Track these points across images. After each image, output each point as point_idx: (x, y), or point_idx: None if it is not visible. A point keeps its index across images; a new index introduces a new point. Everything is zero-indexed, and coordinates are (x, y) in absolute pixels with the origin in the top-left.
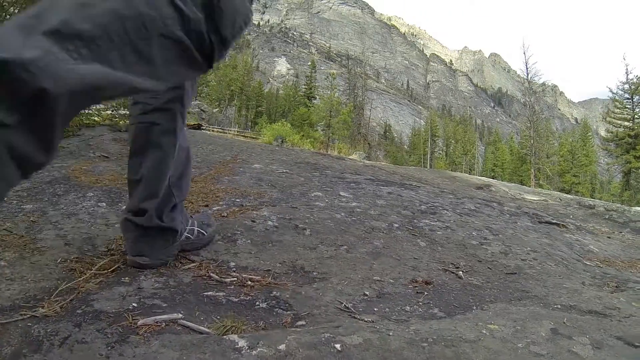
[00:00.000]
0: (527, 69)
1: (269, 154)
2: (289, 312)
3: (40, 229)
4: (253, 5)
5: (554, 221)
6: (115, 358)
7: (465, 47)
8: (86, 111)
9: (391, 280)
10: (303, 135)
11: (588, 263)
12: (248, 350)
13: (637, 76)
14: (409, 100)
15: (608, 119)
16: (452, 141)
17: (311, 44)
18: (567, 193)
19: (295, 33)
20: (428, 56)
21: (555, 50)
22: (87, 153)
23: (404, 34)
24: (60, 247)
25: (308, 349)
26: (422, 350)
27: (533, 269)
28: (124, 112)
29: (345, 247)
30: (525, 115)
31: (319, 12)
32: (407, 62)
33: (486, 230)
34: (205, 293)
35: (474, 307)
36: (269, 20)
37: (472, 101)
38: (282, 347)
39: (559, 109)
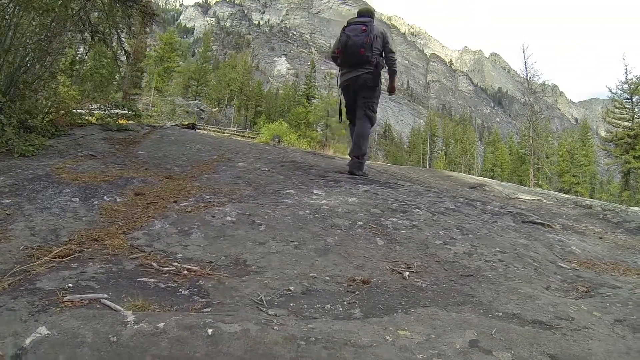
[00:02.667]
0: (526, 68)
1: (257, 153)
2: (203, 300)
3: (13, 220)
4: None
5: (539, 221)
6: (31, 322)
7: (465, 47)
8: (78, 111)
9: (327, 278)
10: (300, 135)
11: (563, 265)
12: (132, 324)
13: (636, 76)
14: (409, 100)
15: (607, 119)
16: (452, 141)
17: (311, 43)
18: (566, 193)
19: (295, 33)
20: (428, 56)
21: (556, 50)
22: (75, 152)
23: (404, 33)
24: (25, 237)
25: (183, 329)
26: (294, 348)
27: (494, 271)
28: (115, 111)
29: (295, 243)
30: (525, 115)
31: (319, 12)
32: (407, 61)
33: (456, 229)
34: (139, 279)
35: (399, 310)
36: (269, 20)
37: (472, 101)
38: (161, 325)
39: (559, 109)
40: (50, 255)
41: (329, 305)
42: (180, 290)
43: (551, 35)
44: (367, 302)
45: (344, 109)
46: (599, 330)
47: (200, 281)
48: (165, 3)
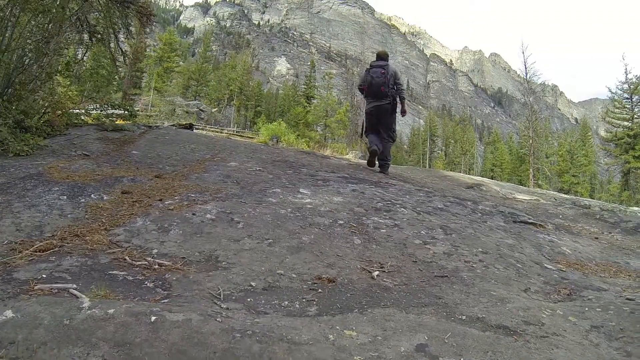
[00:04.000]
0: (525, 68)
1: (251, 153)
2: (165, 292)
3: (1, 217)
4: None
5: (530, 221)
6: (0, 307)
7: (466, 47)
8: (75, 111)
9: (294, 275)
10: (299, 135)
11: (549, 266)
12: (86, 309)
13: (636, 76)
14: (409, 100)
15: (607, 118)
16: (452, 141)
17: (311, 43)
18: (565, 193)
19: (295, 33)
20: (428, 56)
21: (556, 50)
22: (69, 152)
23: (404, 33)
24: (11, 232)
25: (129, 316)
26: (228, 339)
27: (472, 272)
28: (112, 111)
29: (270, 240)
30: (524, 115)
31: (319, 11)
32: (407, 62)
33: (440, 229)
34: (111, 272)
35: (356, 310)
36: (269, 20)
37: (472, 101)
38: (111, 311)
39: (559, 109)
40: (31, 249)
41: (286, 302)
42: (146, 282)
43: (551, 36)
44: (327, 300)
45: (364, 126)
46: (570, 338)
47: (167, 275)
48: (165, 3)
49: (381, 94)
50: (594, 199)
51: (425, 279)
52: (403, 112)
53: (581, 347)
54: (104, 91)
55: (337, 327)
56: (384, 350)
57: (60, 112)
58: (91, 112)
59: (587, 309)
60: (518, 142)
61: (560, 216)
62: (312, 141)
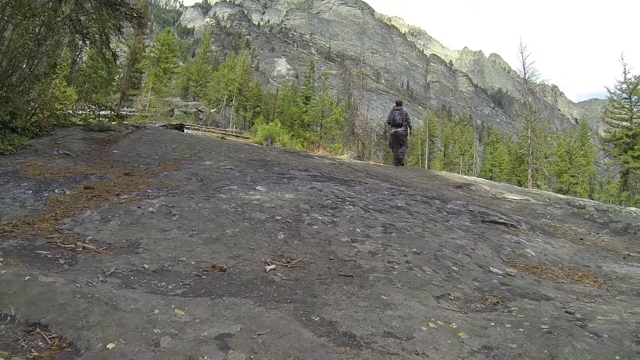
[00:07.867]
0: (524, 68)
1: (231, 152)
2: (68, 267)
3: None
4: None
5: (501, 221)
6: None
7: (466, 47)
8: (65, 112)
9: (192, 262)
10: (293, 135)
11: (495, 270)
12: None
13: (635, 76)
14: (408, 101)
15: (606, 119)
16: (451, 141)
17: (311, 44)
18: (564, 194)
19: (295, 33)
20: (428, 56)
21: (556, 50)
22: (51, 151)
23: (404, 34)
24: None
25: (13, 276)
26: (69, 298)
27: (387, 273)
28: (100, 112)
29: (194, 232)
30: (523, 115)
31: (319, 12)
32: (407, 62)
33: (380, 227)
34: (38, 251)
35: (214, 296)
36: (268, 20)
37: (472, 102)
38: (3, 272)
39: (559, 109)
40: None
41: (164, 283)
42: (60, 260)
43: (551, 36)
44: (200, 285)
45: (390, 141)
46: (435, 358)
47: (80, 255)
48: (165, 4)
49: (399, 124)
50: (593, 199)
51: (324, 276)
52: (411, 134)
53: None
54: (102, 92)
55: (173, 306)
56: (186, 331)
57: (48, 113)
58: (80, 113)
59: (493, 323)
60: (517, 142)
61: (548, 216)
62: (307, 141)
